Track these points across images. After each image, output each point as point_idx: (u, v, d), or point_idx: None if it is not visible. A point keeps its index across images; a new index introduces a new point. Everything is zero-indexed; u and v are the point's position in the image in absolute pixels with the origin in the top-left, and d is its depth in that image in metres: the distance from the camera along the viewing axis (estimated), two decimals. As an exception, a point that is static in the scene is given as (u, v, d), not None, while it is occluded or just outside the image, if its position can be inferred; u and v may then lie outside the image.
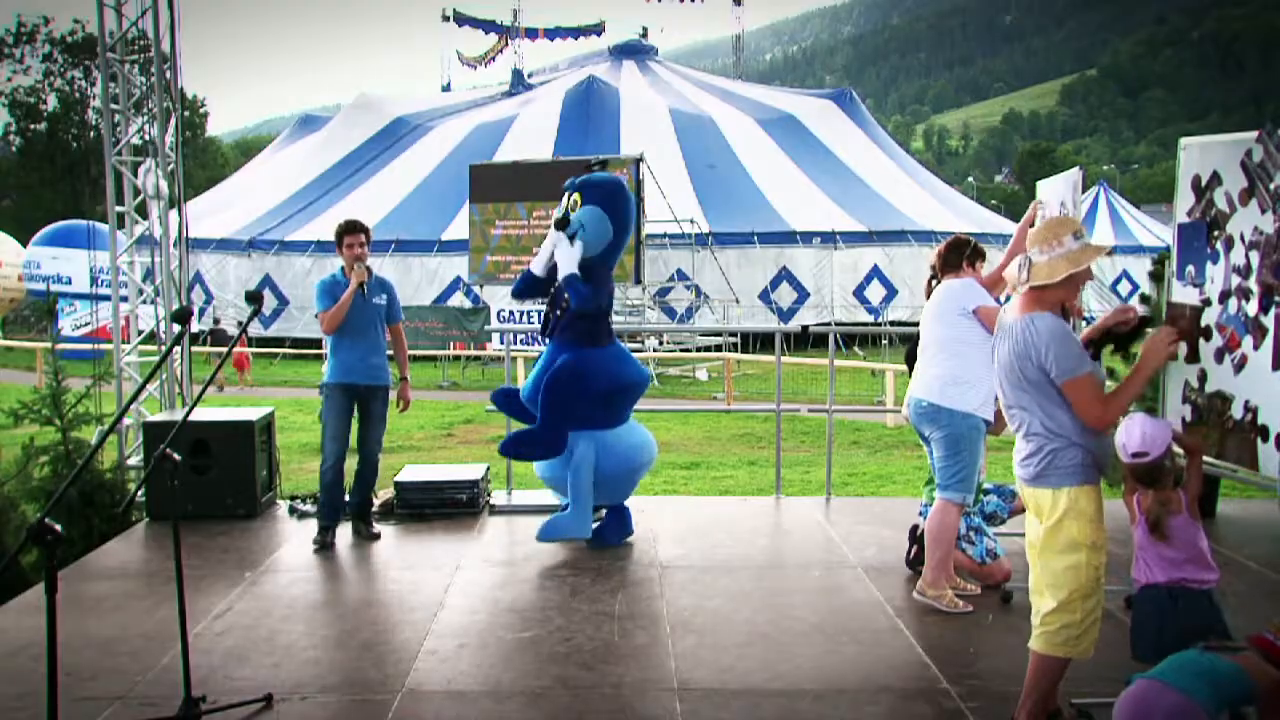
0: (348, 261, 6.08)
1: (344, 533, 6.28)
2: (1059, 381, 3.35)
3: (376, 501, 6.75)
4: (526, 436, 5.80)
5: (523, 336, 15.88)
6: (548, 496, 6.69)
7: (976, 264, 4.99)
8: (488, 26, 44.07)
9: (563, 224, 5.71)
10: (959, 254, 4.98)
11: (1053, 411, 3.40)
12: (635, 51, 38.36)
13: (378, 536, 6.22)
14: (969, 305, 4.79)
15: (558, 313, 5.75)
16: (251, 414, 6.81)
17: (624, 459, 5.88)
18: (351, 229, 6.12)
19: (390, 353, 6.34)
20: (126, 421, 7.40)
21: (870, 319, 24.63)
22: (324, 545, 6.03)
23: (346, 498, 6.33)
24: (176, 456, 3.63)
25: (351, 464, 6.26)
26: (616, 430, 5.86)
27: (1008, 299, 4.82)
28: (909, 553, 5.53)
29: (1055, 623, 3.41)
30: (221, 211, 28.80)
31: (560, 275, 5.72)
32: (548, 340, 5.91)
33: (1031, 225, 4.96)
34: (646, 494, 8.53)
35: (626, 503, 6.13)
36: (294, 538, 6.20)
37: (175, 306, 7.32)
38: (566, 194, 5.92)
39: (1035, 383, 3.41)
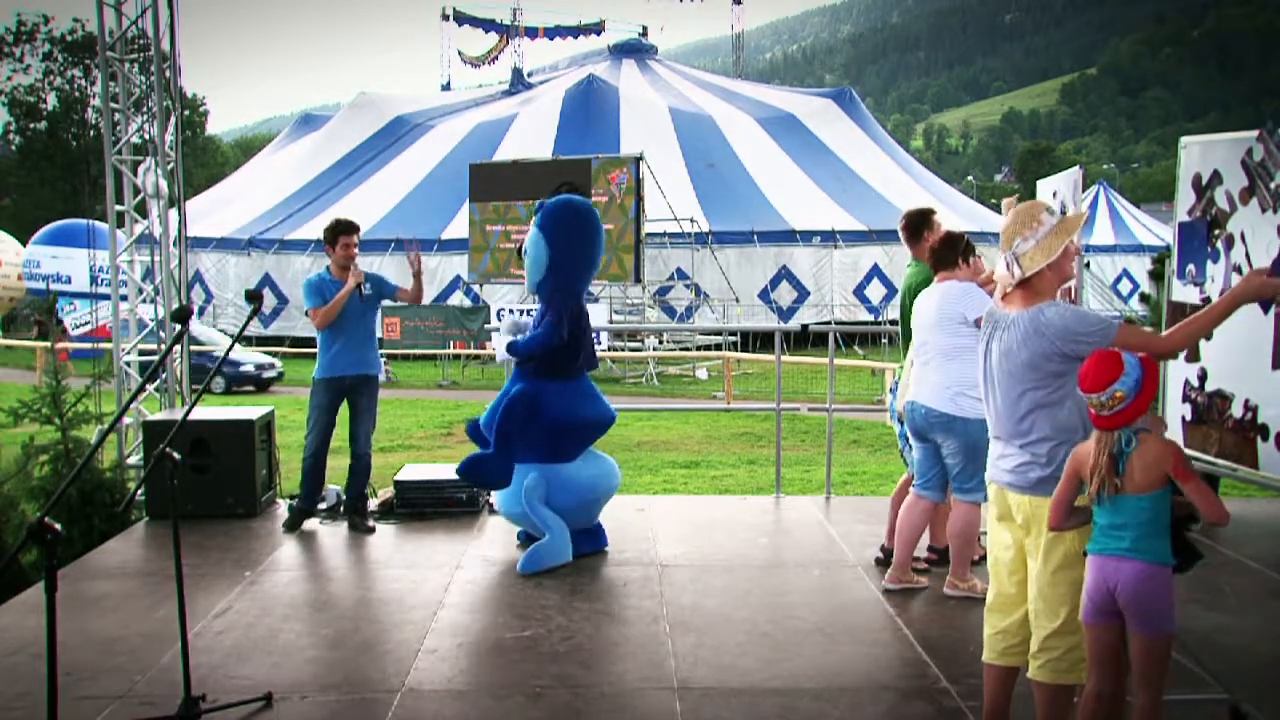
0: (341, 260, 6.20)
1: (342, 530, 6.30)
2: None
3: (376, 501, 6.76)
4: (476, 461, 5.58)
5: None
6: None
7: (971, 259, 4.83)
8: (488, 26, 44.13)
9: (519, 252, 5.87)
10: (954, 251, 4.82)
11: (1059, 411, 3.21)
12: (635, 50, 38.42)
13: (372, 530, 6.28)
14: (970, 315, 4.67)
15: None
16: (251, 413, 6.80)
17: (579, 492, 5.66)
18: (348, 229, 6.27)
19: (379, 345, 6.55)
20: (126, 420, 7.40)
21: (870, 318, 24.65)
22: (293, 527, 6.28)
23: (335, 489, 6.60)
24: (176, 455, 3.63)
25: (344, 463, 6.41)
26: (570, 465, 5.63)
27: None
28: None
29: (1060, 646, 3.18)
30: (221, 210, 28.82)
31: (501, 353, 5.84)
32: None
33: None
34: (646, 493, 8.54)
35: (601, 519, 5.95)
36: (294, 537, 6.20)
37: (175, 305, 7.32)
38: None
39: (1052, 375, 3.18)
